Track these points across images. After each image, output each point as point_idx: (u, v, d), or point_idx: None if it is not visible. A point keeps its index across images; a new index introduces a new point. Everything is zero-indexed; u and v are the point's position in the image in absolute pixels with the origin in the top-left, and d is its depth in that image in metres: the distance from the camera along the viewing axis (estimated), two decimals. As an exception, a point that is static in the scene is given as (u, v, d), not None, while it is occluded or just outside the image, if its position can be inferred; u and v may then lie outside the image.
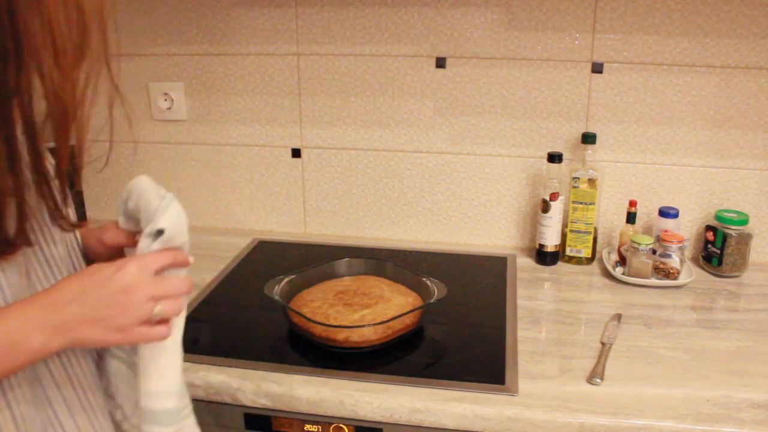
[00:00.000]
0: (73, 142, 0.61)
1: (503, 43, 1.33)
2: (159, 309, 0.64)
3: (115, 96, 0.63)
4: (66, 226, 0.67)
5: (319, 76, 1.42)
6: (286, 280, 1.14)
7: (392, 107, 1.41)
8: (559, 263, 1.37)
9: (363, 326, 1.01)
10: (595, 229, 1.36)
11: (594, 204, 1.32)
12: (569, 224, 1.35)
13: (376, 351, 1.03)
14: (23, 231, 0.60)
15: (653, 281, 1.26)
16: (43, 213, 0.66)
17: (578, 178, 1.31)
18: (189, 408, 0.75)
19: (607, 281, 1.29)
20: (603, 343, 1.06)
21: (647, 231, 1.39)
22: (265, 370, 0.98)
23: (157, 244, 0.67)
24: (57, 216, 0.65)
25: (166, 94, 1.48)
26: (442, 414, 0.91)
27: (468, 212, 1.46)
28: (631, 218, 1.33)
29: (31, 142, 0.59)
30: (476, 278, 1.31)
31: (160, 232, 0.67)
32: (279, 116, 1.47)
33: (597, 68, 1.32)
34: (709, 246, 1.32)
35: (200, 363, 1.00)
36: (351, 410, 0.93)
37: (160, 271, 0.66)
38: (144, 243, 0.67)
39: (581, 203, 1.32)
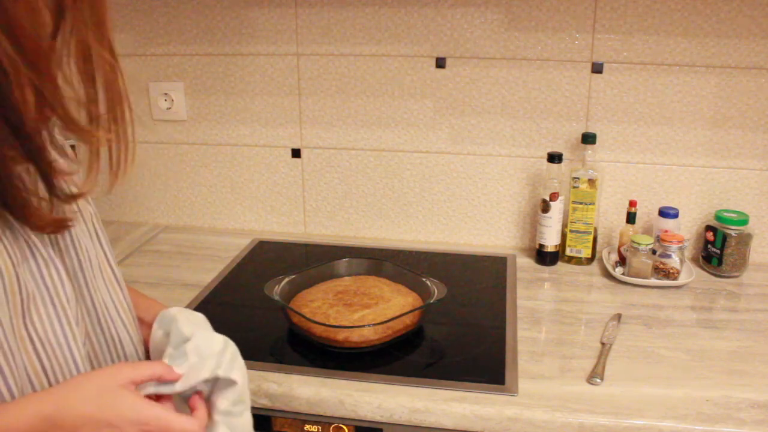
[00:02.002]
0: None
1: (503, 43, 1.33)
2: None
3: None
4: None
5: (319, 76, 1.42)
6: (286, 280, 1.14)
7: (392, 107, 1.41)
8: (559, 263, 1.37)
9: (363, 326, 1.01)
10: (595, 229, 1.35)
11: (594, 204, 1.32)
12: (569, 224, 1.35)
13: (376, 351, 1.03)
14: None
15: (653, 281, 1.26)
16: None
17: (578, 178, 1.31)
18: None
19: (607, 281, 1.29)
20: (603, 343, 1.06)
21: (647, 231, 1.39)
22: (265, 370, 0.98)
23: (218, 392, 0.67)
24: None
25: (166, 94, 1.48)
26: (442, 414, 0.91)
27: (468, 212, 1.46)
28: (631, 218, 1.33)
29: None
30: (476, 278, 1.31)
31: (231, 383, 0.67)
32: (279, 116, 1.47)
33: (597, 68, 1.32)
34: (709, 246, 1.32)
35: (200, 363, 1.00)
36: (351, 410, 0.93)
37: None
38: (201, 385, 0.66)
39: (581, 203, 1.32)
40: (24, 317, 0.58)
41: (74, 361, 0.62)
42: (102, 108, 0.57)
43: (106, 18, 0.55)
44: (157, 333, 0.72)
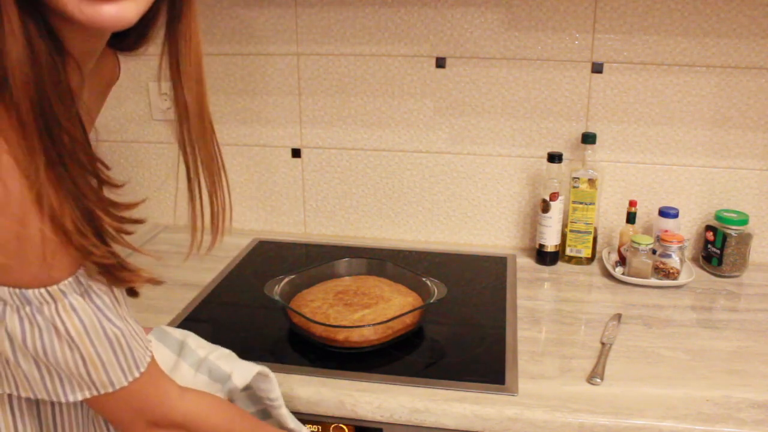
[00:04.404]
0: None
1: (503, 43, 1.33)
2: None
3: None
4: None
5: (319, 76, 1.42)
6: (286, 280, 1.14)
7: (392, 107, 1.41)
8: (559, 263, 1.37)
9: (363, 326, 1.01)
10: (595, 229, 1.35)
11: (594, 204, 1.32)
12: (569, 224, 1.35)
13: (376, 351, 1.03)
14: None
15: (653, 281, 1.26)
16: None
17: (578, 178, 1.31)
18: None
19: (607, 281, 1.29)
20: (603, 343, 1.06)
21: (647, 231, 1.39)
22: (265, 370, 0.99)
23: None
24: None
25: (166, 94, 1.48)
26: (442, 414, 0.91)
27: (468, 212, 1.46)
28: (631, 218, 1.33)
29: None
30: (476, 278, 1.31)
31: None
32: (279, 116, 1.47)
33: (597, 68, 1.32)
34: (709, 246, 1.32)
35: (200, 363, 1.00)
36: (351, 410, 0.93)
37: None
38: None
39: (581, 203, 1.32)
40: None
41: None
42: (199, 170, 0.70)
43: (203, 82, 0.68)
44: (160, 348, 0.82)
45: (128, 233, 0.62)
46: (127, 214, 0.61)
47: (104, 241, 0.57)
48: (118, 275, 0.60)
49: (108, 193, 0.59)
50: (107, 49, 0.72)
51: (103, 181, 0.58)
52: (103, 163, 0.58)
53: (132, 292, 0.65)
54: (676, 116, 1.33)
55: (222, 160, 0.71)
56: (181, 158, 0.70)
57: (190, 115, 0.67)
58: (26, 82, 0.50)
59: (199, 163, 0.69)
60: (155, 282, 0.63)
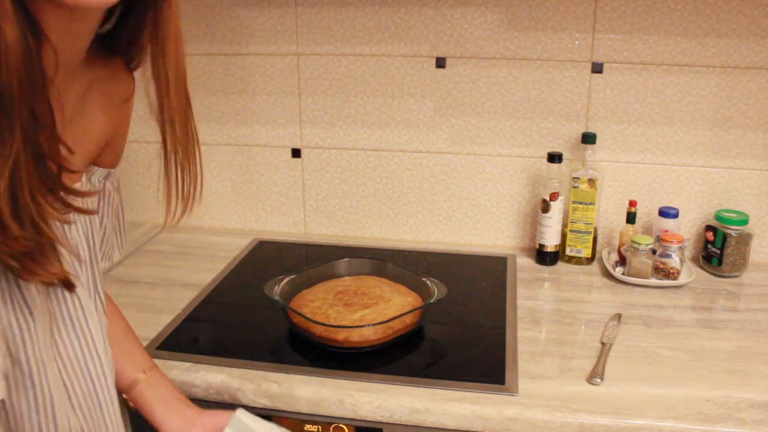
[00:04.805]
0: None
1: (503, 43, 1.33)
2: None
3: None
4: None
5: (319, 76, 1.42)
6: (286, 280, 1.14)
7: (392, 107, 1.41)
8: (559, 263, 1.37)
9: (363, 326, 1.01)
10: (595, 229, 1.36)
11: (594, 204, 1.32)
12: (569, 224, 1.35)
13: (376, 351, 1.03)
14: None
15: (653, 281, 1.26)
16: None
17: (578, 178, 1.31)
18: None
19: (607, 281, 1.29)
20: (603, 343, 1.06)
21: (647, 231, 1.39)
22: (265, 370, 0.98)
23: None
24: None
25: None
26: (442, 414, 0.91)
27: (468, 212, 1.46)
28: (631, 218, 1.33)
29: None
30: (476, 278, 1.31)
31: None
32: (279, 116, 1.47)
33: (597, 68, 1.32)
34: (709, 246, 1.32)
35: (200, 363, 1.00)
36: (351, 410, 0.93)
37: None
38: None
39: (581, 203, 1.32)
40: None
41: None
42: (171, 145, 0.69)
43: (183, 60, 0.65)
44: None
45: (68, 223, 0.62)
46: (72, 200, 0.57)
47: (35, 227, 0.53)
48: (27, 265, 0.55)
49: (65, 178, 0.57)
50: (119, 64, 0.71)
51: (63, 167, 0.55)
52: (68, 148, 0.56)
53: (67, 285, 0.62)
54: (676, 116, 1.33)
55: (197, 135, 0.70)
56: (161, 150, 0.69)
57: (171, 90, 0.66)
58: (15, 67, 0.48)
59: (177, 138, 0.68)
60: (67, 283, 0.61)
